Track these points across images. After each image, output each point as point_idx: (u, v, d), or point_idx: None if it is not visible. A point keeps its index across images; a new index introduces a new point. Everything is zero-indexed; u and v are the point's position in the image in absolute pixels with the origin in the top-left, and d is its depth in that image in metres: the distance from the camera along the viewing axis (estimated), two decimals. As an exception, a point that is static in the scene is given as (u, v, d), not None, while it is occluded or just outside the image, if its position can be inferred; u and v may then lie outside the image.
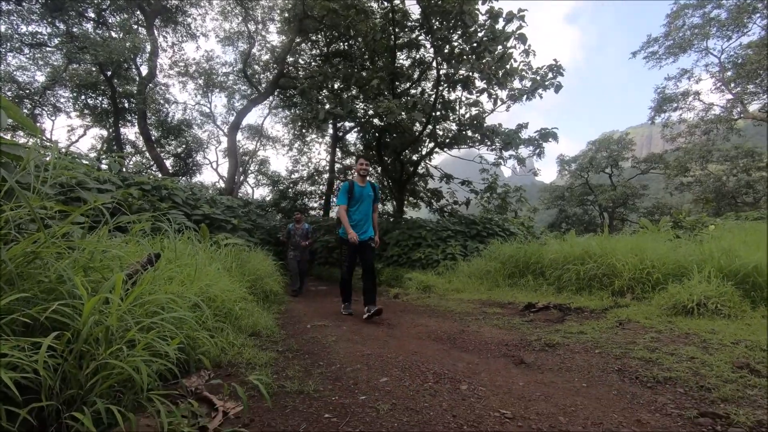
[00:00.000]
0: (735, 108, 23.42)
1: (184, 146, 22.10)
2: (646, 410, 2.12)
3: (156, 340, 1.83)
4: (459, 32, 11.35)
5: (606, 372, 2.76)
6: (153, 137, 18.96)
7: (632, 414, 2.07)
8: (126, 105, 18.69)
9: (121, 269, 2.25)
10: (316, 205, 22.51)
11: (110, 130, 19.54)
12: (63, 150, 5.50)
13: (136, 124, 18.66)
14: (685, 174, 27.48)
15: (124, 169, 7.83)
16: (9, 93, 15.61)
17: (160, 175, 13.59)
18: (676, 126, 26.51)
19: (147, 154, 19.77)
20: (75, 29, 15.10)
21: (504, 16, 10.62)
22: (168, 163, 20.51)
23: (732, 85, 22.92)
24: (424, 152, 14.98)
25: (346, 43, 14.76)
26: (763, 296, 4.27)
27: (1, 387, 1.32)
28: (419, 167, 15.74)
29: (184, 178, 21.56)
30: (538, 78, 11.32)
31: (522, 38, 10.80)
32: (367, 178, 5.68)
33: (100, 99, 18.34)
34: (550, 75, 11.29)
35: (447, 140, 13.58)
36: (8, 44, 14.57)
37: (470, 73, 11.60)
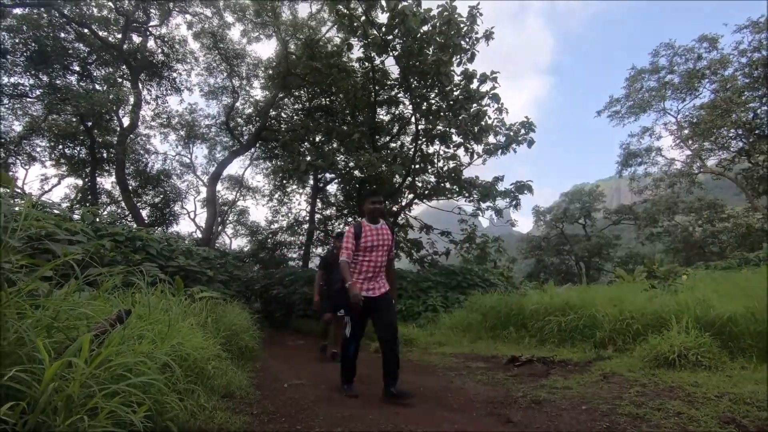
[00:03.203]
0: (694, 163, 24.94)
1: (162, 196, 21.80)
2: (638, 472, 2.05)
3: (120, 407, 1.69)
4: (436, 90, 11.94)
5: (594, 430, 2.69)
6: (130, 187, 18.70)
7: (625, 477, 2.00)
8: (104, 155, 18.54)
9: (88, 329, 2.12)
10: (295, 255, 22.17)
11: (86, 180, 19.20)
12: (34, 200, 5.34)
13: (113, 173, 18.43)
14: (655, 225, 28.62)
15: (98, 220, 7.61)
16: (-18, 142, 15.34)
17: (135, 226, 13.24)
18: (642, 179, 27.91)
19: (123, 204, 19.36)
20: (58, 81, 15.22)
21: (478, 77, 11.31)
22: (144, 213, 20.07)
23: (689, 142, 24.57)
24: (403, 203, 15.18)
25: (328, 99, 15.27)
26: (740, 347, 4.32)
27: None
28: (399, 218, 15.88)
29: (160, 228, 21.06)
30: (512, 134, 11.86)
31: (495, 98, 11.45)
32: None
33: (78, 149, 18.19)
34: (522, 131, 11.85)
35: (426, 192, 13.85)
36: (-13, 95, 14.52)
37: (447, 129, 12.09)
